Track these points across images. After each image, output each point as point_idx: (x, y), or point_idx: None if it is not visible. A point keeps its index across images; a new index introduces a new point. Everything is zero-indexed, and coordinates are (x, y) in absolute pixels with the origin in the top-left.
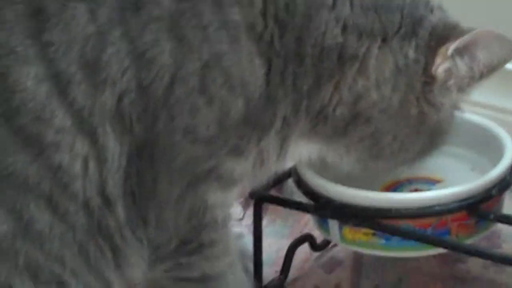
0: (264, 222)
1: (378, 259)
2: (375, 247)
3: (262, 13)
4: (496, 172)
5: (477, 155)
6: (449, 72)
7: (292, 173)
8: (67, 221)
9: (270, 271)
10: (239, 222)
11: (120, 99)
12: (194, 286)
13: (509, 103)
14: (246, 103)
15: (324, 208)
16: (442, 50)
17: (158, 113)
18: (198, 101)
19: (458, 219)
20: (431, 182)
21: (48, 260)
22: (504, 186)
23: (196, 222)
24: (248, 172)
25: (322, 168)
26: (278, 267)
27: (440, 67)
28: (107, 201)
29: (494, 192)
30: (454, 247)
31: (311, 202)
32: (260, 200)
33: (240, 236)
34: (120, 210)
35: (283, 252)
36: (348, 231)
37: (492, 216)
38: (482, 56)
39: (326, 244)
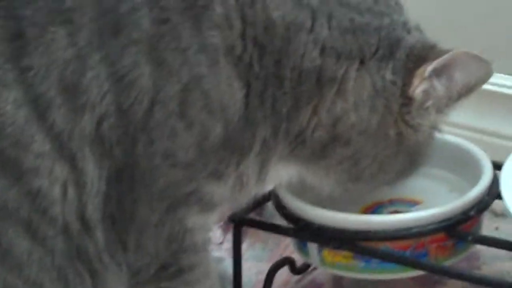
0: (244, 246)
1: (358, 281)
2: (355, 270)
3: (241, 36)
4: (474, 193)
5: (456, 176)
6: (426, 93)
7: (272, 196)
8: (46, 246)
9: None
10: (219, 246)
11: (99, 123)
12: None
13: (487, 124)
14: (225, 127)
15: (303, 231)
16: (419, 71)
17: (138, 136)
18: (178, 125)
19: (437, 241)
20: (411, 204)
21: (27, 286)
22: (482, 207)
23: (176, 246)
24: (228, 196)
25: (303, 190)
26: None
27: (418, 88)
28: (86, 226)
29: (472, 213)
30: (433, 269)
31: (291, 225)
32: (239, 224)
33: (220, 260)
34: (99, 235)
35: (263, 276)
36: (328, 253)
37: (470, 238)
38: (460, 77)
39: (306, 267)
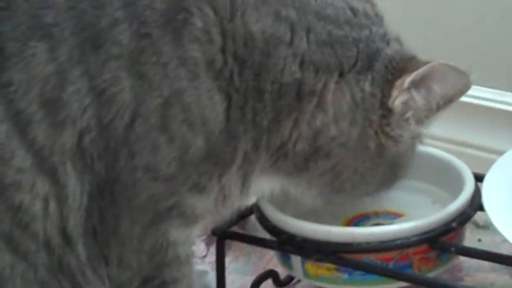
0: (228, 259)
1: None
2: (338, 282)
3: (222, 49)
4: (456, 205)
5: (438, 189)
6: (406, 104)
7: (254, 209)
8: (28, 260)
9: None
10: (202, 259)
11: (80, 137)
12: None
13: (468, 136)
14: (207, 140)
15: (286, 243)
16: (398, 82)
17: (119, 150)
18: (159, 138)
19: (420, 253)
20: (394, 216)
21: None
22: (465, 218)
23: (159, 259)
24: (210, 209)
25: (286, 203)
26: None
27: (397, 99)
28: (68, 240)
29: (454, 225)
30: (416, 281)
31: (274, 238)
32: (223, 237)
33: (203, 273)
34: (81, 249)
35: None
36: (311, 266)
37: (453, 249)
38: (438, 88)
39: (289, 280)
